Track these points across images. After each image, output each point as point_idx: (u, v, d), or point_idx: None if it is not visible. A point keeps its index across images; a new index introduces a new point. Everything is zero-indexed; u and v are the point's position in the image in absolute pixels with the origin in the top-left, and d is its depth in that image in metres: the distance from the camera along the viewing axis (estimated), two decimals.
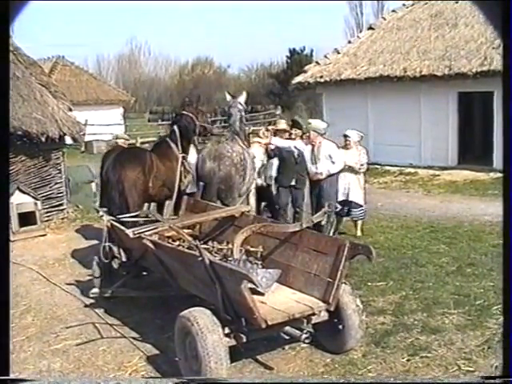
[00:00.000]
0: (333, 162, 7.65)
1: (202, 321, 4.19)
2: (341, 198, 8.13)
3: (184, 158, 7.36)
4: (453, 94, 14.07)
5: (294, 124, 8.64)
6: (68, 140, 11.00)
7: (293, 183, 7.90)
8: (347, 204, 8.21)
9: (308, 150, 7.70)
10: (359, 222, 8.46)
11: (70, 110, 10.96)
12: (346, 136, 8.27)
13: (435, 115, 14.23)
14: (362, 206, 8.34)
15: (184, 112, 7.48)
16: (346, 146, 8.23)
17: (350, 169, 8.14)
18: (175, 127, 7.44)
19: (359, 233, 8.40)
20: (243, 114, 7.52)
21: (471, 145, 14.84)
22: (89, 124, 21.01)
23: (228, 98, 7.63)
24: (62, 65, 29.70)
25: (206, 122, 7.71)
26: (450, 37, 14.78)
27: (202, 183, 7.27)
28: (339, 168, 7.75)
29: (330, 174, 7.65)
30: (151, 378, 4.56)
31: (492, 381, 2.43)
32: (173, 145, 7.39)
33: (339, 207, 8.01)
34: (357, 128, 8.81)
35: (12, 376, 2.66)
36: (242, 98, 7.54)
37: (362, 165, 8.25)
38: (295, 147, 7.80)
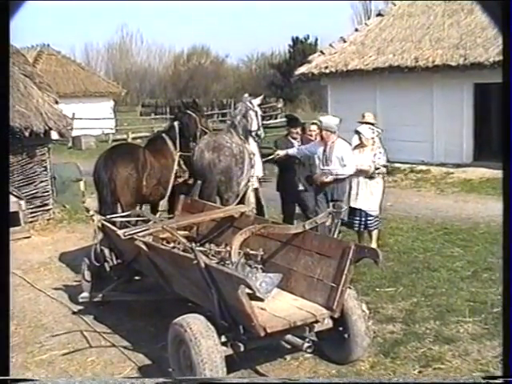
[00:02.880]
0: (343, 165, 7.14)
1: (196, 326, 4.21)
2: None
3: (181, 156, 7.43)
4: (468, 86, 14.06)
5: (291, 121, 8.29)
6: (54, 135, 10.99)
7: (301, 188, 7.75)
8: (352, 212, 7.53)
9: (320, 151, 7.26)
10: (374, 233, 7.73)
11: (56, 102, 10.97)
12: (358, 133, 7.61)
13: (449, 108, 14.22)
14: (372, 216, 7.61)
15: (188, 111, 7.63)
16: (359, 145, 7.58)
17: (362, 172, 7.46)
18: (176, 123, 7.54)
19: (374, 244, 7.53)
20: (251, 112, 7.56)
21: (488, 140, 14.82)
22: (76, 118, 21.03)
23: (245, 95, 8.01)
24: (48, 54, 29.76)
25: (206, 127, 7.83)
26: (465, 24, 14.78)
27: (199, 182, 7.29)
28: (349, 172, 7.24)
29: (337, 178, 7.15)
30: (130, 377, 4.61)
31: (492, 381, 2.50)
32: (169, 142, 7.47)
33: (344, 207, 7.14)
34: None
35: (12, 376, 2.76)
36: (257, 100, 7.81)
37: (376, 168, 7.48)
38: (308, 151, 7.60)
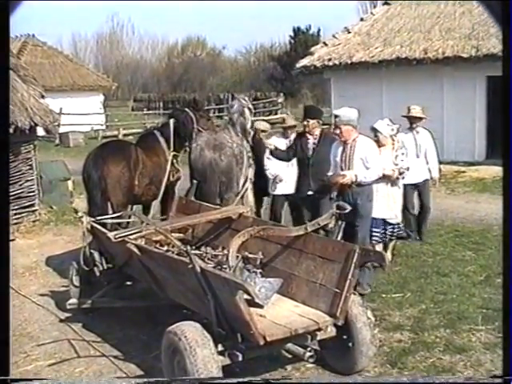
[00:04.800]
0: (366, 168, 6.35)
1: (191, 334, 4.21)
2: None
3: (175, 156, 7.47)
4: (480, 79, 14.09)
5: (308, 112, 7.37)
6: (40, 131, 11.00)
7: (310, 193, 7.10)
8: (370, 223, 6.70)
9: (338, 151, 6.48)
10: (390, 244, 7.27)
11: (43, 96, 10.96)
12: (374, 130, 6.95)
13: (460, 103, 14.25)
14: (393, 225, 6.98)
15: (186, 109, 7.68)
16: (377, 144, 6.72)
17: (384, 178, 6.70)
18: (171, 121, 7.58)
19: (389, 254, 7.06)
20: (246, 110, 7.65)
21: None
22: (64, 113, 21.05)
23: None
24: (33, 45, 29.78)
25: (206, 129, 7.82)
26: (477, 12, 14.77)
27: (195, 181, 7.32)
28: (374, 177, 6.43)
29: (357, 183, 6.31)
30: (117, 378, 4.68)
31: (491, 380, 2.55)
32: (161, 139, 7.52)
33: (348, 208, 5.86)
34: (369, 118, 7.30)
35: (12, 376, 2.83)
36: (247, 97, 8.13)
37: (401, 173, 6.87)
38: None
